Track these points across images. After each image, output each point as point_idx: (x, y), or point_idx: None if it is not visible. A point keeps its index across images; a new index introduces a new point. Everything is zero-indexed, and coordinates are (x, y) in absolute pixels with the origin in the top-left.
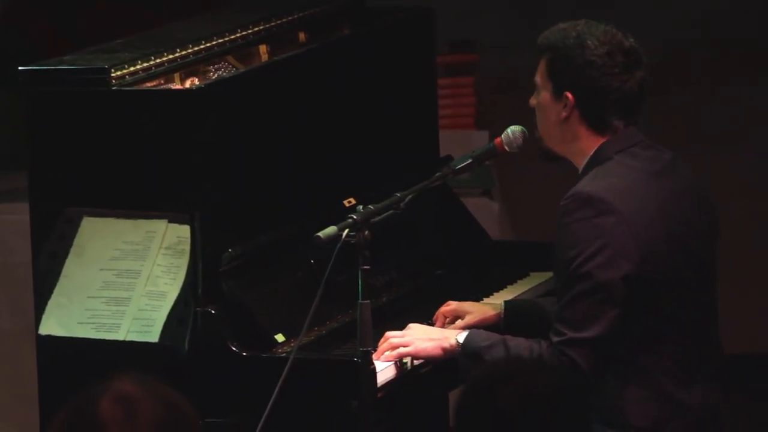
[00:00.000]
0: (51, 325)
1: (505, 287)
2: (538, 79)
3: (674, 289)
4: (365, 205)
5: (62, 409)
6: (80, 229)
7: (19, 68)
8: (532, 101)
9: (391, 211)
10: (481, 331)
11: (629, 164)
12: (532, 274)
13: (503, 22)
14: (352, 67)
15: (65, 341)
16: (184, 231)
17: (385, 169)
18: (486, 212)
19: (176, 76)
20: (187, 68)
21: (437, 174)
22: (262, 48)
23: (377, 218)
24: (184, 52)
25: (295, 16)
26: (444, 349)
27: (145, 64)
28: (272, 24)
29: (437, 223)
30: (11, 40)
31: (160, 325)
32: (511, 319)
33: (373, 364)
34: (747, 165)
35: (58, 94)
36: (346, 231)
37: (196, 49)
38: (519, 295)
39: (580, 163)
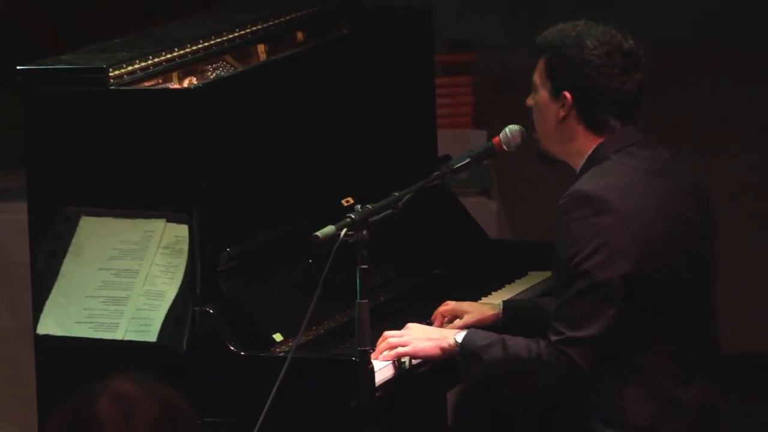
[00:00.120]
0: (49, 325)
1: (504, 287)
2: (536, 78)
3: (673, 288)
4: (363, 204)
5: (60, 409)
6: (78, 229)
7: (17, 67)
8: (530, 101)
9: (389, 211)
10: (480, 330)
11: (627, 163)
12: (530, 273)
13: (503, 21)
14: (350, 66)
15: (63, 341)
16: (183, 230)
17: (383, 168)
18: (484, 211)
19: (174, 75)
20: (185, 67)
21: (435, 173)
22: (260, 47)
23: (375, 217)
24: (182, 52)
25: (293, 16)
26: (442, 349)
27: (143, 64)
28: (270, 23)
29: (435, 222)
30: (11, 40)
31: (159, 324)
32: (509, 319)
33: (371, 363)
34: (747, 165)
35: (56, 93)
36: (344, 230)
37: (194, 48)
38: (517, 295)
39: (578, 164)
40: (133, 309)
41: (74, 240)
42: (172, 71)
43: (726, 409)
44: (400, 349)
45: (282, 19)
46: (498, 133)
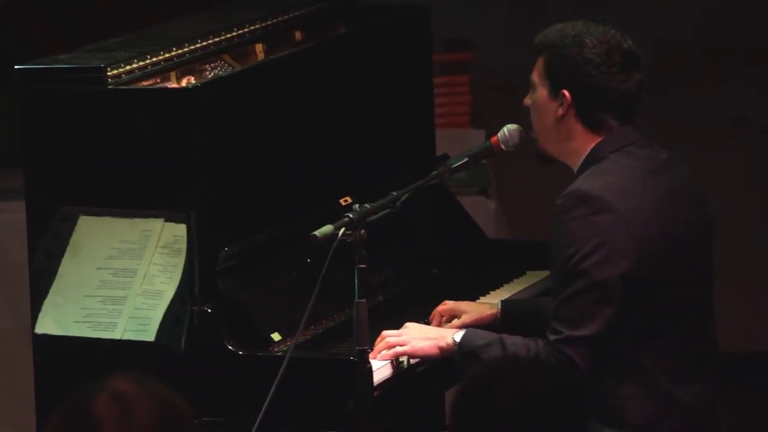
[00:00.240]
0: (47, 324)
1: (502, 286)
2: (534, 77)
3: (671, 288)
4: (361, 203)
5: (59, 408)
6: (76, 228)
7: (15, 67)
8: (527, 100)
9: (387, 210)
10: (478, 330)
11: (625, 163)
12: (528, 272)
13: (503, 21)
14: (348, 65)
15: (61, 340)
16: (181, 230)
17: (381, 167)
18: (482, 211)
19: (172, 74)
20: (183, 67)
21: (433, 173)
22: (258, 47)
23: (373, 217)
24: (180, 51)
25: (291, 15)
26: (441, 348)
27: (141, 63)
28: (268, 23)
29: (433, 222)
30: (11, 40)
31: (157, 324)
32: (507, 319)
33: (369, 363)
34: (746, 165)
35: (54, 92)
36: (343, 230)
37: (192, 47)
38: (515, 294)
39: (575, 164)
40: (132, 308)
41: (72, 239)
42: (170, 71)
43: (724, 408)
44: (399, 349)
45: (280, 19)
46: (496, 133)
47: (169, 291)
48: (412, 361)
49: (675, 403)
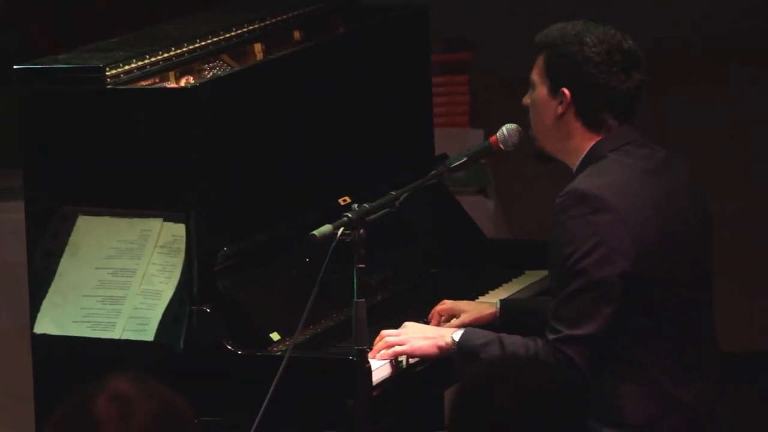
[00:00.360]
0: (46, 324)
1: (501, 285)
2: (534, 76)
3: (670, 287)
4: (360, 203)
5: (58, 408)
6: (75, 228)
7: (14, 67)
8: (526, 100)
9: (386, 210)
10: (477, 329)
11: (624, 162)
12: (527, 272)
13: (503, 20)
14: (346, 65)
15: (60, 340)
16: (179, 229)
17: (380, 167)
18: (481, 210)
19: (171, 74)
20: (182, 67)
21: (432, 172)
22: (257, 46)
23: (372, 216)
24: (179, 51)
25: (290, 15)
26: (440, 348)
27: (140, 63)
28: (267, 23)
29: (432, 221)
30: (10, 40)
31: (156, 323)
32: (506, 318)
33: (368, 362)
34: (746, 165)
35: (53, 92)
36: (342, 229)
37: (191, 47)
38: (514, 294)
39: (574, 163)
40: (130, 308)
41: (71, 239)
42: (169, 70)
43: (724, 408)
44: (398, 348)
45: (279, 19)
46: (495, 132)
47: (167, 291)
48: (411, 360)
49: (675, 402)
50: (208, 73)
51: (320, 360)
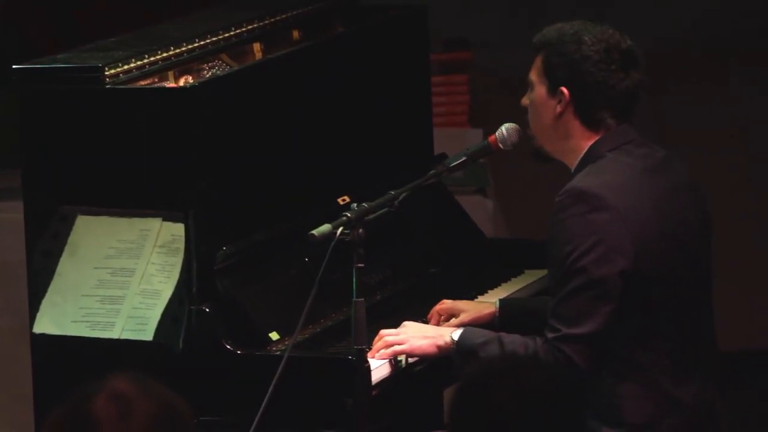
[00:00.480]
0: (45, 324)
1: (500, 285)
2: (532, 75)
3: (669, 286)
4: (359, 203)
5: (57, 408)
6: (74, 228)
7: (14, 66)
8: (525, 100)
9: (385, 209)
10: (476, 328)
11: (623, 161)
12: (526, 271)
13: (503, 20)
14: (346, 65)
15: (59, 340)
16: (179, 229)
17: (379, 167)
18: (480, 210)
19: (170, 74)
20: (181, 66)
21: (431, 172)
22: (256, 46)
23: (371, 216)
24: (178, 51)
25: (289, 15)
26: (439, 347)
27: (139, 63)
28: (266, 22)
29: (432, 221)
30: (10, 40)
31: (155, 323)
32: (505, 317)
33: (367, 362)
34: (746, 165)
35: (53, 92)
36: (341, 229)
37: (190, 47)
38: (513, 293)
39: (573, 162)
40: (130, 308)
41: (70, 239)
42: (168, 70)
43: (723, 407)
44: (397, 348)
45: (278, 18)
46: (494, 132)
47: (167, 290)
48: (411, 359)
49: (674, 402)
50: (207, 73)
51: (319, 359)
